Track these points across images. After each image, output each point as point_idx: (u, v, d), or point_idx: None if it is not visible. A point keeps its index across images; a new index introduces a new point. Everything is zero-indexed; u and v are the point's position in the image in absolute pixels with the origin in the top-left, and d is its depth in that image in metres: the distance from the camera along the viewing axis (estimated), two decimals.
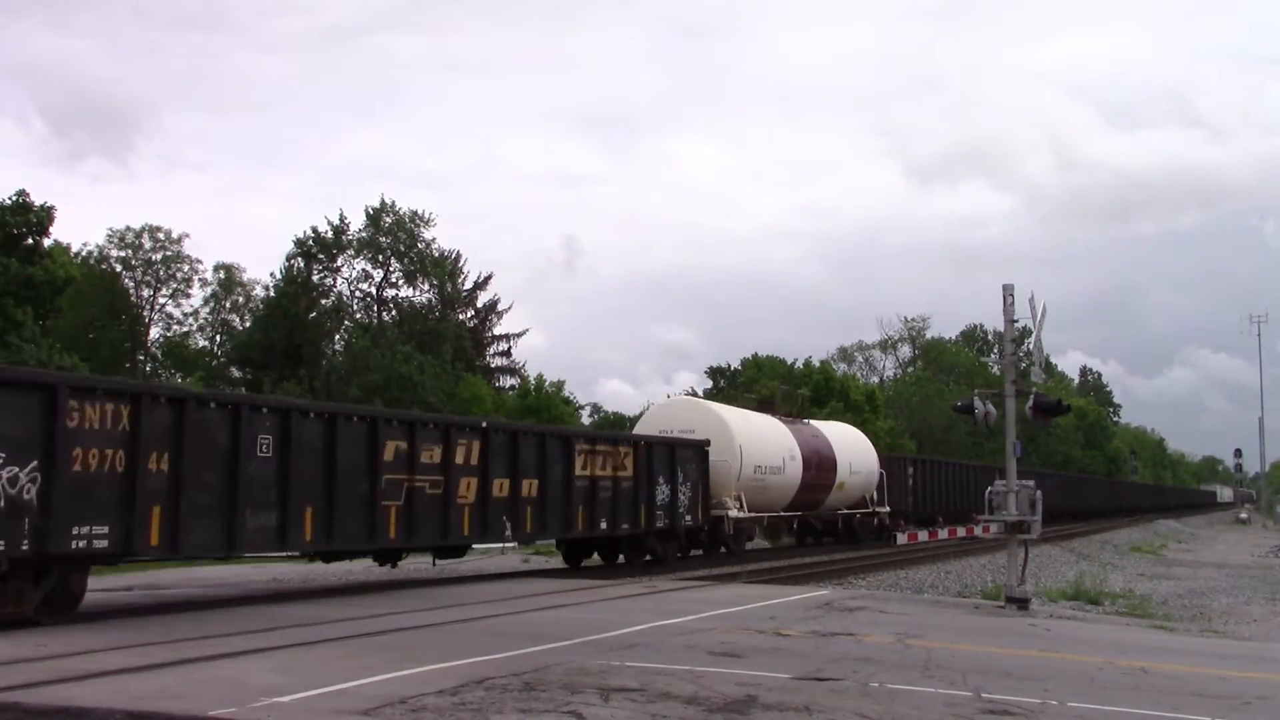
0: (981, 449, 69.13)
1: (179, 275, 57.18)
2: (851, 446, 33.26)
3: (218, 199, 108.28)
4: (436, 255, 52.68)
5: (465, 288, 56.49)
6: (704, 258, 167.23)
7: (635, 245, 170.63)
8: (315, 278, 51.32)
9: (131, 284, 56.34)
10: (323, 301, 51.30)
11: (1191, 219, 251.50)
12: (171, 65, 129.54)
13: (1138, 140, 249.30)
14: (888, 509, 34.39)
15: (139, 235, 55.56)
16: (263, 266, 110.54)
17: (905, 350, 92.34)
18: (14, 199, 31.41)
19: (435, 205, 77.47)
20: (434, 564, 19.57)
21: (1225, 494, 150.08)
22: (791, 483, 28.88)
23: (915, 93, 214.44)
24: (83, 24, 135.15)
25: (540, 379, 54.68)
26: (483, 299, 58.06)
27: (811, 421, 33.42)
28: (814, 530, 33.79)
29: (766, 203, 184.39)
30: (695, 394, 79.71)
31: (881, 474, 34.15)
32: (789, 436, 29.53)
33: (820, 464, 30.43)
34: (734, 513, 25.56)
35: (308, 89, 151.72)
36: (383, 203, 51.74)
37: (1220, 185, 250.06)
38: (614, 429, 48.26)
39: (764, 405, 31.17)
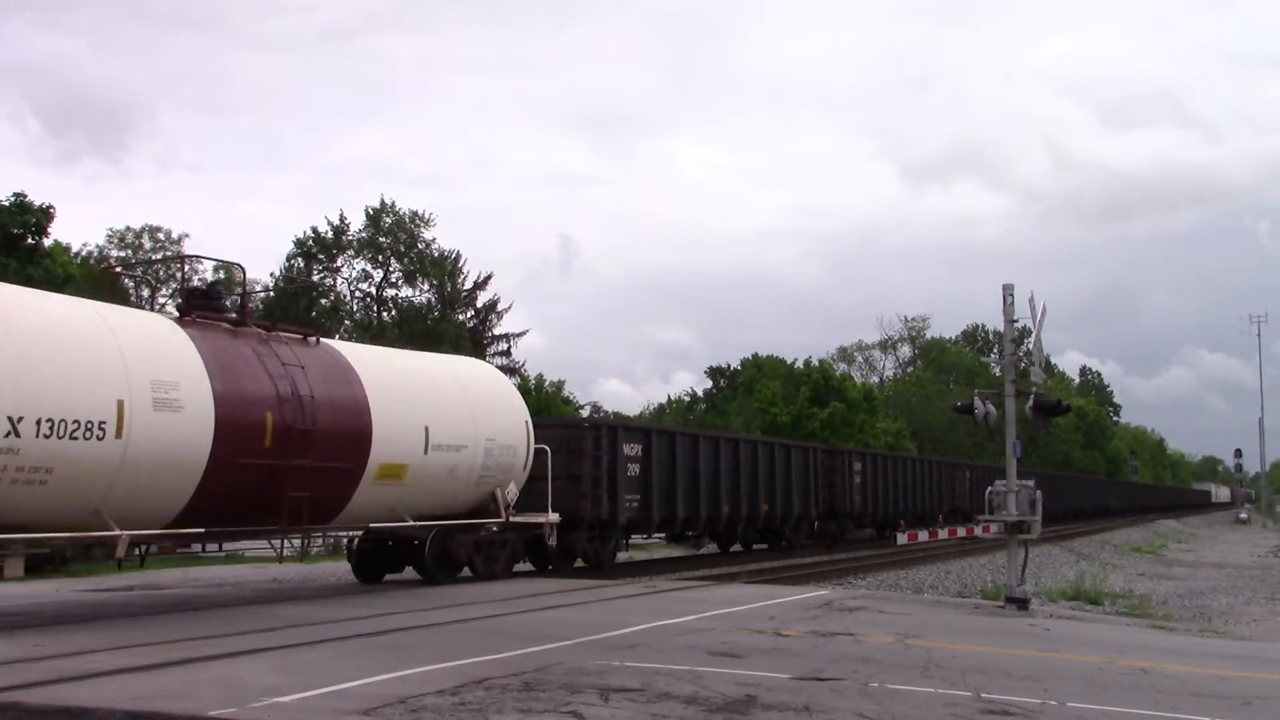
0: (982, 449, 69.29)
1: (179, 275, 57.26)
2: (444, 395, 17.27)
3: (214, 199, 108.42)
4: (436, 255, 52.71)
5: (465, 288, 56.52)
6: (701, 257, 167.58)
7: (632, 245, 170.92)
8: (315, 278, 51.37)
9: (131, 284, 56.40)
10: (322, 301, 51.31)
11: (1187, 219, 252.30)
12: (166, 65, 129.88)
13: (1133, 140, 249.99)
14: (556, 516, 19.28)
15: (139, 235, 55.80)
16: (263, 266, 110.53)
17: (905, 350, 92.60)
18: (13, 199, 31.42)
19: (432, 205, 77.90)
20: None
21: (1221, 494, 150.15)
22: (180, 461, 12.67)
23: (910, 93, 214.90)
24: (76, 23, 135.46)
25: (540, 379, 54.70)
26: (482, 299, 58.07)
27: (331, 341, 16.78)
28: (388, 559, 18.62)
29: (763, 202, 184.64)
30: (696, 397, 79.04)
31: (541, 452, 19.12)
32: (180, 346, 13.23)
33: (305, 418, 14.20)
34: None
35: (303, 89, 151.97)
36: (382, 203, 51.81)
37: (1216, 185, 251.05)
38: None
39: (199, 297, 15.47)
